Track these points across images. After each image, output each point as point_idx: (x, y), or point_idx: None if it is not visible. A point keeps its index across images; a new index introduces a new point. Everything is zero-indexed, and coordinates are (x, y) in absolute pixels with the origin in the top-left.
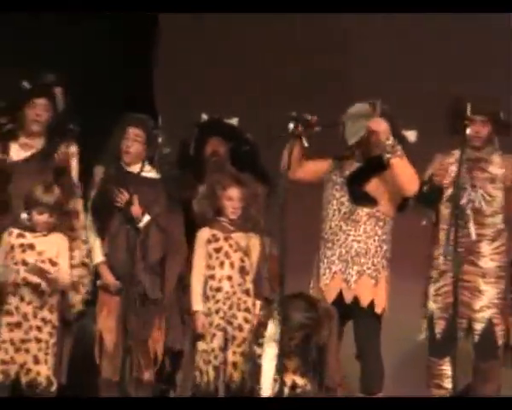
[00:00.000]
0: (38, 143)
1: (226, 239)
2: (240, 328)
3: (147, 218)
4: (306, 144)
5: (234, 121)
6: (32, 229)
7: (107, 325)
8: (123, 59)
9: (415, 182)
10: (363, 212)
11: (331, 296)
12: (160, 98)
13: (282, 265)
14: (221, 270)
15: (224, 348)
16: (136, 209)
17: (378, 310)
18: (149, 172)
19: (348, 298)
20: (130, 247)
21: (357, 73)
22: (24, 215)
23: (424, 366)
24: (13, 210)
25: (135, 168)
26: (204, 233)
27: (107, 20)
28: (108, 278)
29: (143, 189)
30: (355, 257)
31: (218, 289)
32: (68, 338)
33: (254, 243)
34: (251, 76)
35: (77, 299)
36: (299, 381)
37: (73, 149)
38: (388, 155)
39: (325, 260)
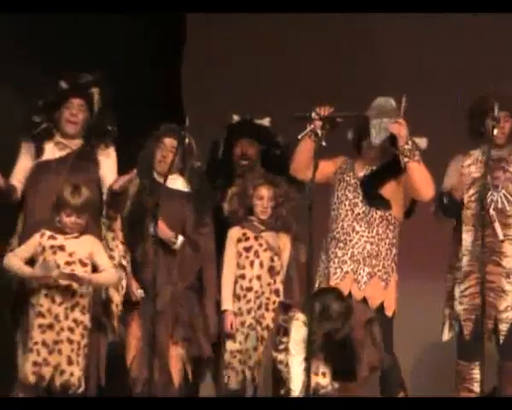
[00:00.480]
0: (74, 144)
1: (256, 238)
2: (268, 328)
3: (181, 239)
4: (324, 143)
5: (265, 121)
6: (63, 231)
7: (134, 332)
8: (151, 59)
9: (431, 187)
10: (376, 214)
11: None
12: (187, 98)
13: (310, 267)
14: (251, 269)
15: (256, 348)
16: (167, 232)
17: (388, 313)
18: (180, 185)
19: (357, 299)
20: (164, 267)
21: (383, 73)
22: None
23: (440, 366)
24: (43, 210)
25: (167, 180)
26: (235, 232)
27: (137, 20)
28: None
29: (174, 201)
30: (367, 258)
31: (249, 289)
32: (105, 339)
33: (285, 243)
34: (279, 75)
35: (117, 299)
36: (323, 381)
37: (112, 150)
38: (406, 159)
39: (336, 260)
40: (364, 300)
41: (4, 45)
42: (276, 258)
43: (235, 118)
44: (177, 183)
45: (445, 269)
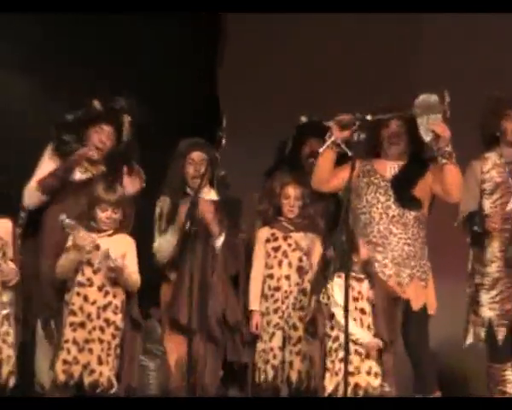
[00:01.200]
0: (95, 169)
1: (285, 238)
2: (295, 327)
3: (223, 236)
4: (350, 153)
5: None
6: (97, 230)
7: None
8: (187, 59)
9: (460, 191)
10: (410, 215)
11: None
12: (224, 99)
13: (347, 273)
14: (279, 269)
15: (282, 348)
16: (215, 228)
17: (431, 311)
18: (213, 195)
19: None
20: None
21: (423, 73)
22: (62, 216)
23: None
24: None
25: (201, 193)
26: (263, 233)
27: (173, 20)
28: None
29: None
30: (406, 260)
31: (277, 289)
32: (138, 340)
33: (314, 242)
34: (318, 76)
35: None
36: (374, 382)
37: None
38: (445, 161)
39: (376, 264)
40: (407, 302)
41: (37, 44)
42: (304, 258)
43: (303, 119)
44: (210, 194)
45: (465, 273)
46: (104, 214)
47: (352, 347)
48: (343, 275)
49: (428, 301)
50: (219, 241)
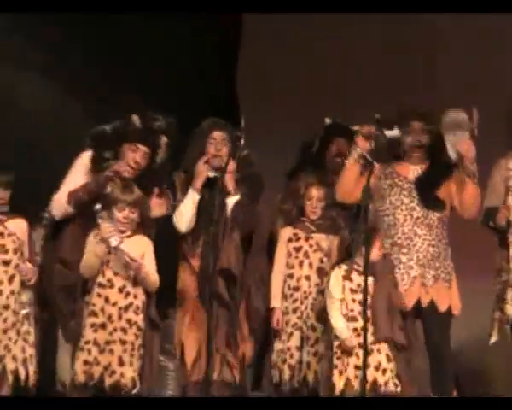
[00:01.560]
0: (124, 183)
1: (307, 239)
2: (313, 328)
3: (238, 197)
4: (376, 164)
5: (356, 128)
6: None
7: (190, 333)
8: (207, 60)
9: (477, 211)
10: (434, 216)
11: (411, 301)
12: (243, 99)
13: (366, 271)
14: (300, 269)
15: (300, 348)
16: (230, 185)
17: (456, 312)
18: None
19: (425, 302)
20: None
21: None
22: (98, 207)
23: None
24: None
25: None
26: (286, 232)
27: (191, 21)
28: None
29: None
30: (430, 261)
31: (297, 289)
32: (156, 340)
33: (335, 244)
34: (340, 76)
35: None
36: (381, 379)
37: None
38: (467, 179)
39: (401, 266)
40: (432, 303)
41: (60, 45)
42: (325, 259)
43: (327, 121)
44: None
45: (491, 271)
46: (121, 214)
47: (355, 341)
48: (343, 266)
49: (452, 301)
50: (233, 199)
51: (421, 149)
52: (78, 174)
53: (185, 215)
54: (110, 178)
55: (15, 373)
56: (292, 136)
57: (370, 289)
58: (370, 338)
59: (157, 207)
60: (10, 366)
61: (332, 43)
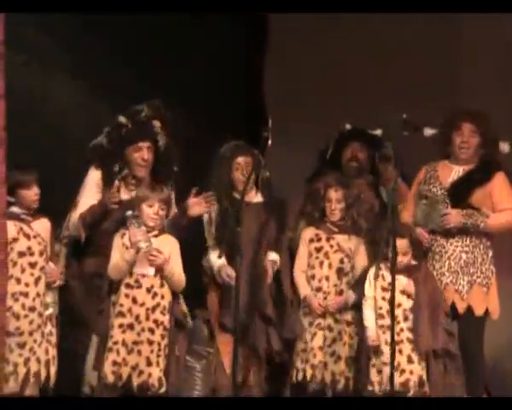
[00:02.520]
0: (142, 182)
1: (328, 240)
2: (330, 328)
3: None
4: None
5: (377, 132)
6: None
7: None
8: (234, 59)
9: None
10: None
11: (445, 308)
12: (270, 100)
13: (393, 272)
14: (320, 270)
15: (322, 348)
16: None
17: (494, 316)
18: (259, 197)
19: (461, 309)
20: None
21: (468, 74)
22: (129, 212)
23: None
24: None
25: (248, 196)
26: (308, 233)
27: (217, 21)
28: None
29: (254, 213)
30: (464, 267)
31: (319, 289)
32: (183, 340)
33: (357, 245)
34: (365, 77)
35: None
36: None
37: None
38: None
39: (434, 273)
40: (469, 308)
41: (87, 46)
42: (346, 260)
43: (348, 127)
44: (257, 196)
45: None
46: (151, 210)
47: (382, 338)
48: (375, 265)
49: (490, 306)
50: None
51: (469, 150)
52: (90, 194)
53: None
54: (113, 202)
55: (38, 375)
56: (319, 137)
57: (409, 289)
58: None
59: (196, 206)
60: (34, 367)
61: (358, 44)
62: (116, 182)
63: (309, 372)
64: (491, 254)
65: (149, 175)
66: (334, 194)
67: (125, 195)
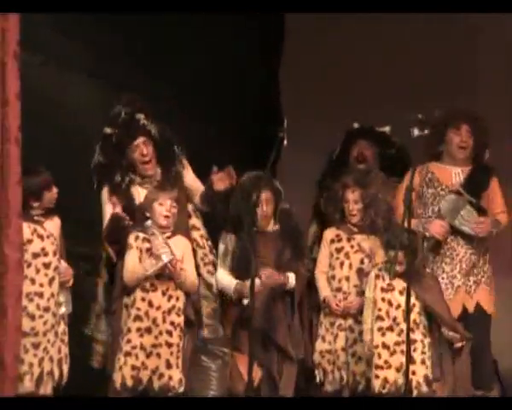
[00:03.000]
0: (155, 179)
1: (349, 240)
2: (351, 329)
3: (292, 276)
4: None
5: (386, 129)
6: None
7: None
8: (249, 60)
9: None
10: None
11: (457, 310)
12: (285, 99)
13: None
14: (341, 270)
15: (345, 349)
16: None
17: (495, 315)
18: (272, 226)
19: (471, 307)
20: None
21: (483, 73)
22: (148, 222)
23: None
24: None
25: (266, 227)
26: (329, 233)
27: (234, 21)
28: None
29: (271, 243)
30: (472, 269)
31: (339, 290)
32: (193, 339)
33: (376, 246)
34: (380, 77)
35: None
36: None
37: (185, 162)
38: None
39: (444, 275)
40: (478, 306)
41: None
42: (366, 260)
43: (356, 125)
44: (270, 225)
45: None
46: (164, 208)
47: (379, 339)
48: (377, 266)
49: (490, 303)
50: (289, 283)
51: (466, 150)
52: (106, 208)
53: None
54: (131, 181)
55: (51, 374)
56: (335, 137)
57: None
58: (394, 338)
59: (219, 181)
60: (47, 367)
61: (372, 44)
62: (113, 199)
63: (331, 374)
64: (488, 254)
65: (156, 166)
66: (352, 195)
67: (140, 196)
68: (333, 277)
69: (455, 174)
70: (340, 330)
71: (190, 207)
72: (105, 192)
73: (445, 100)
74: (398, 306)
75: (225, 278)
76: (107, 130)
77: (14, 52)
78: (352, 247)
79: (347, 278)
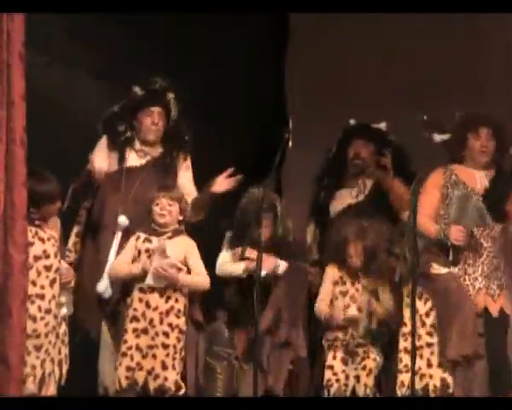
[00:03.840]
0: (154, 151)
1: (353, 284)
2: (359, 344)
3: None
4: None
5: (382, 126)
6: (157, 233)
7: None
8: (253, 60)
9: None
10: (498, 228)
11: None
12: (290, 99)
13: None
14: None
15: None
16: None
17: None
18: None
19: (495, 312)
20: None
21: (492, 74)
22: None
23: None
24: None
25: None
26: (332, 272)
27: (240, 20)
28: None
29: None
30: (494, 272)
31: (344, 293)
32: (201, 341)
33: (383, 287)
34: (385, 76)
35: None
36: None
37: (189, 162)
38: None
39: (466, 277)
40: (502, 311)
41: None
42: (374, 301)
43: (352, 122)
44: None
45: None
46: (158, 207)
47: (402, 344)
48: None
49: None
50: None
51: (487, 154)
52: (99, 155)
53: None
54: (130, 138)
55: (52, 374)
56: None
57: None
58: (403, 344)
59: (223, 182)
60: (49, 368)
61: (374, 44)
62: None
63: (341, 384)
64: (509, 257)
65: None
66: (354, 250)
67: (134, 161)
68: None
69: (479, 178)
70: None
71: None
72: (103, 140)
73: (445, 100)
74: (416, 310)
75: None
76: (137, 89)
77: (20, 53)
78: (357, 290)
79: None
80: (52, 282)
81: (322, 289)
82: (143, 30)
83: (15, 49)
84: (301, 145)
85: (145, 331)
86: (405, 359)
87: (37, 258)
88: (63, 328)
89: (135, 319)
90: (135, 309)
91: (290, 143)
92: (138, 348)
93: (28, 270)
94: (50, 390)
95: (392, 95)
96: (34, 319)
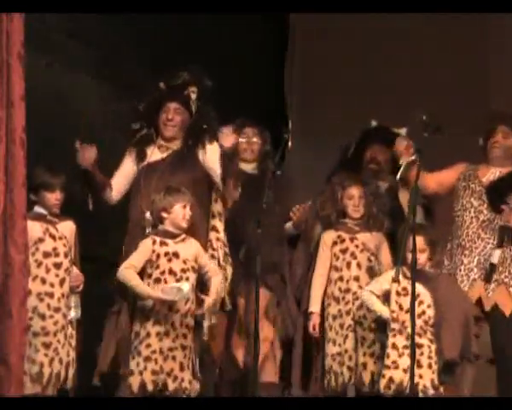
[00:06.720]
0: (175, 145)
1: (352, 240)
2: (370, 328)
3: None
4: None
5: (402, 131)
6: (172, 235)
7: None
8: (253, 60)
9: None
10: (500, 221)
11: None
12: (290, 99)
13: (413, 272)
14: (348, 271)
15: (356, 350)
16: None
17: None
18: None
19: (487, 306)
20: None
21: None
22: (147, 215)
23: None
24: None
25: None
26: (330, 236)
27: (241, 21)
28: None
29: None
30: (495, 265)
31: (347, 291)
32: (198, 338)
33: (380, 241)
34: (385, 76)
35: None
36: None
37: (214, 145)
38: None
39: (462, 268)
40: (496, 307)
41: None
42: (373, 258)
43: (374, 123)
44: None
45: None
46: (181, 213)
47: (390, 340)
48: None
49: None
50: None
51: (500, 149)
52: (124, 159)
53: None
54: (148, 135)
55: (58, 376)
56: (342, 138)
57: (426, 299)
58: (403, 342)
59: (225, 139)
60: (56, 368)
61: (374, 44)
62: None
63: (346, 375)
64: None
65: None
66: (357, 191)
67: (154, 156)
68: (340, 278)
69: (491, 173)
70: (350, 331)
71: (216, 208)
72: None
73: (445, 100)
74: (408, 311)
75: None
76: (161, 85)
77: (19, 53)
78: (356, 246)
79: (357, 278)
80: (62, 281)
81: (317, 261)
82: (143, 30)
83: (15, 49)
84: (301, 145)
85: (167, 334)
86: (393, 355)
87: (46, 254)
88: (70, 330)
89: (158, 322)
90: (157, 312)
91: (290, 143)
92: (161, 351)
93: (29, 270)
94: (54, 391)
95: (393, 95)
96: (43, 317)
